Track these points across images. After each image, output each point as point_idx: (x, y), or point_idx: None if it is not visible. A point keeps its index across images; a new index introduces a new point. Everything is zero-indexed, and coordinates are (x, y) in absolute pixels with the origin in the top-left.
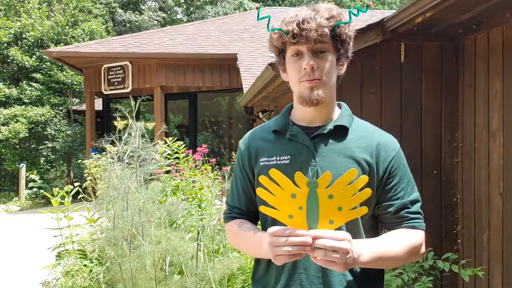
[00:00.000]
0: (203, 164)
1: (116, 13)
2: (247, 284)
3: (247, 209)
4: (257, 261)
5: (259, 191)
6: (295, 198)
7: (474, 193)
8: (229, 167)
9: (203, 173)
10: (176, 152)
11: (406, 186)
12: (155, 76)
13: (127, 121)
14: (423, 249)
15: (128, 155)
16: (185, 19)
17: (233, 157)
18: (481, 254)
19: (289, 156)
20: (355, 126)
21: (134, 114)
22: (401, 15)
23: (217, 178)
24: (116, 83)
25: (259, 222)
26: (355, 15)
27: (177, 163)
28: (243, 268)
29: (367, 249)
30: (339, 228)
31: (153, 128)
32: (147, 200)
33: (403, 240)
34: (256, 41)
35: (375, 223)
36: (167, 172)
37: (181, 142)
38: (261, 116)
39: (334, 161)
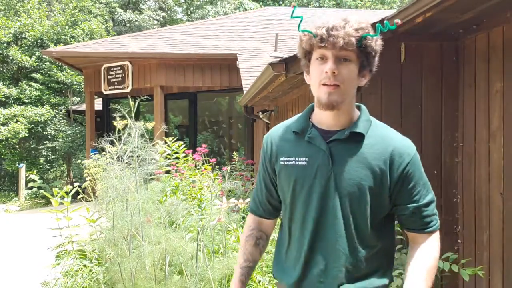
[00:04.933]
0: (203, 164)
1: (116, 13)
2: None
3: (267, 200)
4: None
5: None
6: None
7: (474, 193)
8: (229, 167)
9: (203, 173)
10: (176, 152)
11: (422, 189)
12: (155, 76)
13: (127, 121)
14: (439, 247)
15: (127, 155)
16: (185, 19)
17: (233, 157)
18: (482, 254)
19: (306, 158)
20: (372, 132)
21: (133, 114)
22: (401, 15)
23: (217, 178)
24: (116, 83)
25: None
26: (382, 29)
27: (177, 163)
28: None
29: None
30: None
31: (152, 128)
32: (146, 200)
33: (431, 263)
34: (256, 41)
35: (389, 221)
36: (167, 172)
37: (181, 142)
38: (261, 116)
39: (349, 167)
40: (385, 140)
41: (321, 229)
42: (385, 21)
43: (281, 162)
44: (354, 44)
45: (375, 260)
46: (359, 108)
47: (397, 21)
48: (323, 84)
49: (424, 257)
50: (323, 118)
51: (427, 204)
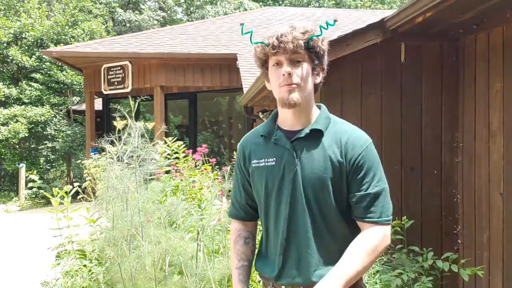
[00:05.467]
0: (203, 164)
1: (116, 13)
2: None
3: (247, 203)
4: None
5: None
6: None
7: (474, 193)
8: (229, 167)
9: (203, 173)
10: (176, 152)
11: (371, 179)
12: (155, 76)
13: (127, 121)
14: (384, 243)
15: (127, 155)
16: (185, 19)
17: (233, 157)
18: (481, 254)
19: (274, 158)
20: (330, 128)
21: (133, 114)
22: (401, 15)
23: (217, 178)
24: (116, 83)
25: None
26: (325, 28)
27: (177, 163)
28: None
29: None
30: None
31: (152, 128)
32: (146, 200)
33: (363, 252)
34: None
35: None
36: (167, 172)
37: (181, 142)
38: (261, 116)
39: (311, 161)
40: (341, 134)
41: (292, 221)
42: (326, 21)
43: (253, 165)
44: (303, 46)
45: (345, 247)
46: (319, 107)
47: (336, 19)
48: (283, 85)
49: (353, 252)
50: (286, 119)
51: (374, 194)
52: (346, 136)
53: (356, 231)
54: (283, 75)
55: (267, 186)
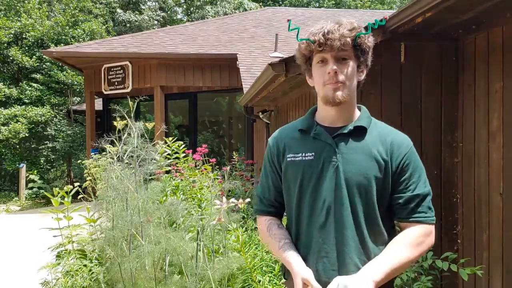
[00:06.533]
0: (203, 164)
1: (116, 13)
2: (247, 284)
3: (275, 199)
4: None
5: None
6: None
7: (474, 193)
8: (229, 167)
9: (203, 173)
10: (176, 152)
11: (417, 180)
12: (155, 76)
13: (127, 121)
14: (429, 241)
15: (127, 155)
16: (185, 19)
17: (233, 157)
18: (481, 254)
19: (313, 153)
20: (373, 127)
21: (132, 114)
22: (401, 15)
23: (217, 178)
24: (116, 83)
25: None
26: (373, 27)
27: (177, 163)
28: (243, 268)
29: (380, 275)
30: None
31: (153, 128)
32: (146, 200)
33: (408, 245)
34: (256, 41)
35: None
36: (167, 172)
37: (181, 142)
38: (261, 116)
39: (353, 158)
40: (385, 133)
41: (330, 219)
42: (375, 19)
43: (288, 159)
44: (350, 44)
45: (382, 249)
46: (359, 108)
47: (386, 16)
48: (328, 83)
49: (397, 245)
50: (327, 116)
51: (422, 195)
52: (391, 136)
53: (391, 232)
54: (329, 73)
55: (302, 181)
